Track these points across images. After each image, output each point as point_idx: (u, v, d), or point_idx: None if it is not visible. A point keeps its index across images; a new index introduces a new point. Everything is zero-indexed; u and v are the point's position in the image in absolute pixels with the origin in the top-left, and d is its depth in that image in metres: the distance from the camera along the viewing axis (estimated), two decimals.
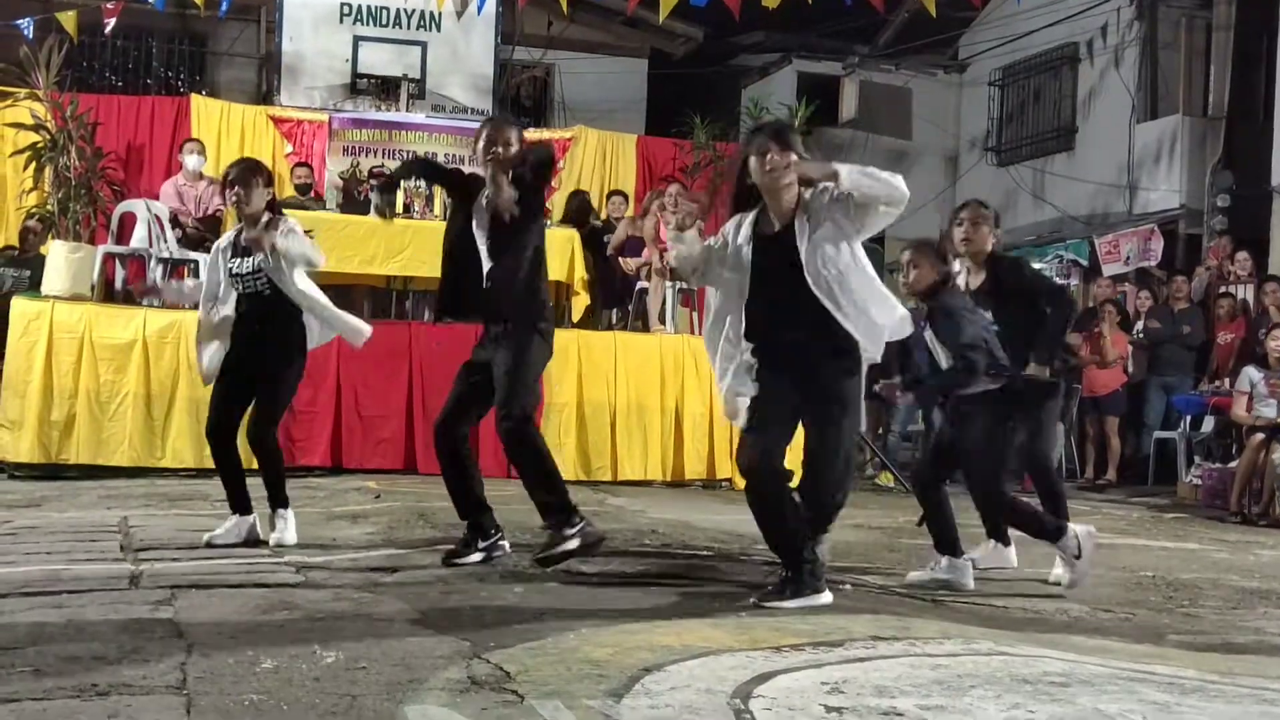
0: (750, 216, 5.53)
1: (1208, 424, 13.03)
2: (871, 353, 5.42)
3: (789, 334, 5.39)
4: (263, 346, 6.59)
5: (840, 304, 5.27)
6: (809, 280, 5.26)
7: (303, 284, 6.60)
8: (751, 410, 5.49)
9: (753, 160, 5.35)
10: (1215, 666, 4.44)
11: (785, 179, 5.33)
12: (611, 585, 5.73)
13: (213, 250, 6.81)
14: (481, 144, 6.09)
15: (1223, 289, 14.14)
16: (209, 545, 6.43)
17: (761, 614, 5.03)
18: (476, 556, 6.22)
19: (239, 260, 6.59)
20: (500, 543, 6.33)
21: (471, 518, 6.31)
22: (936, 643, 4.56)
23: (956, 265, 6.56)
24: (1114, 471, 13.79)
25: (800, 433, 5.56)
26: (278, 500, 6.67)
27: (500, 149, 6.03)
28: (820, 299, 5.26)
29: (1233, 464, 11.45)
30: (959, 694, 3.80)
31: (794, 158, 5.30)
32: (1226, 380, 12.90)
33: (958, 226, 6.57)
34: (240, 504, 6.64)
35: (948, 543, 6.20)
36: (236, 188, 6.54)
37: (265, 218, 6.55)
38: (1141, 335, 14.10)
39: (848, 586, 5.88)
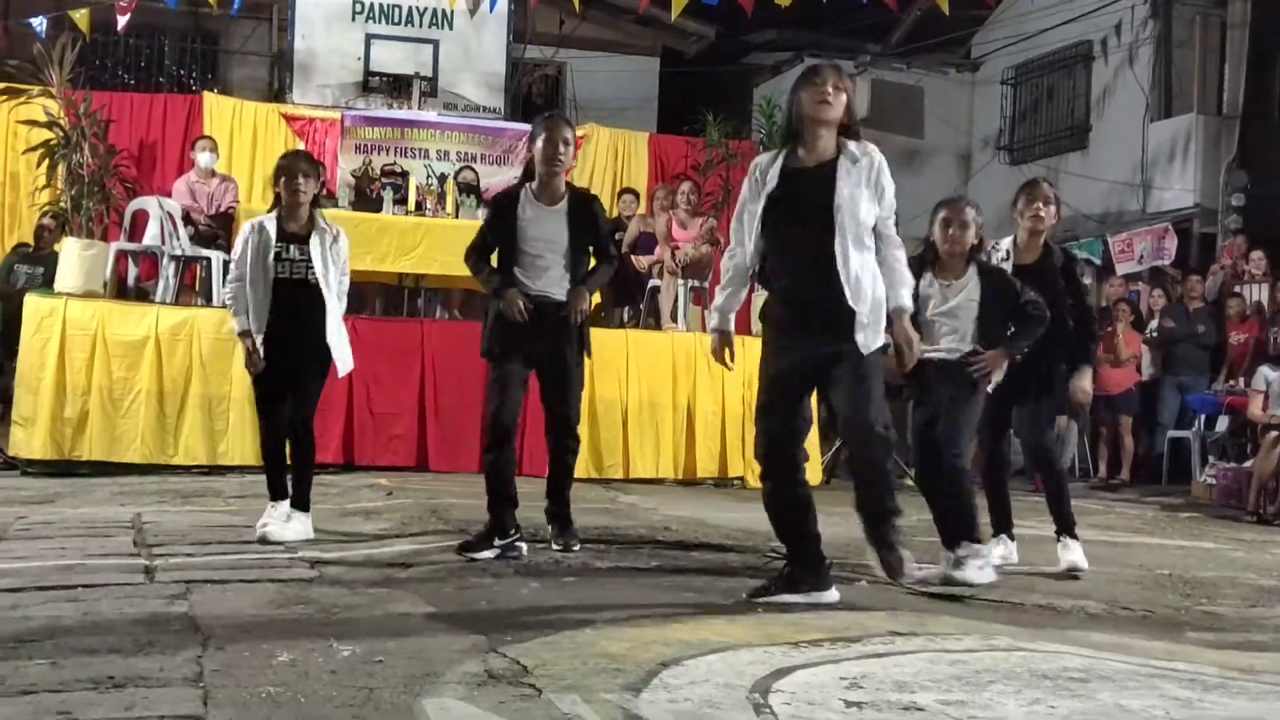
0: (780, 155, 5.36)
1: (1222, 423, 12.99)
2: (868, 338, 5.12)
3: (808, 281, 5.18)
4: (305, 333, 6.64)
5: (854, 263, 5.08)
6: (838, 222, 5.08)
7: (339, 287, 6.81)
8: (761, 386, 5.40)
9: (812, 88, 5.18)
10: (1236, 663, 4.41)
11: (832, 114, 5.18)
12: (627, 581, 5.72)
13: (254, 226, 6.78)
14: (541, 145, 6.38)
15: (1235, 288, 14.09)
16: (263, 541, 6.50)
17: (777, 610, 5.00)
18: (490, 553, 6.22)
19: (285, 245, 6.65)
20: (517, 543, 6.33)
21: (500, 510, 6.34)
22: (955, 639, 4.54)
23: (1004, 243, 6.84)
24: (1127, 471, 13.75)
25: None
26: (302, 500, 6.72)
27: (562, 148, 6.38)
28: (840, 248, 5.07)
29: (1247, 463, 11.40)
30: (979, 689, 3.78)
31: (845, 99, 5.22)
32: (1241, 379, 12.86)
33: (1030, 204, 6.74)
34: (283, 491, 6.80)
35: (944, 535, 6.20)
36: (300, 178, 6.66)
37: (311, 211, 6.76)
38: (1155, 334, 14.06)
39: (864, 582, 5.85)
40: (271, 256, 6.64)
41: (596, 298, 11.92)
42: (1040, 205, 6.74)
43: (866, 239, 5.18)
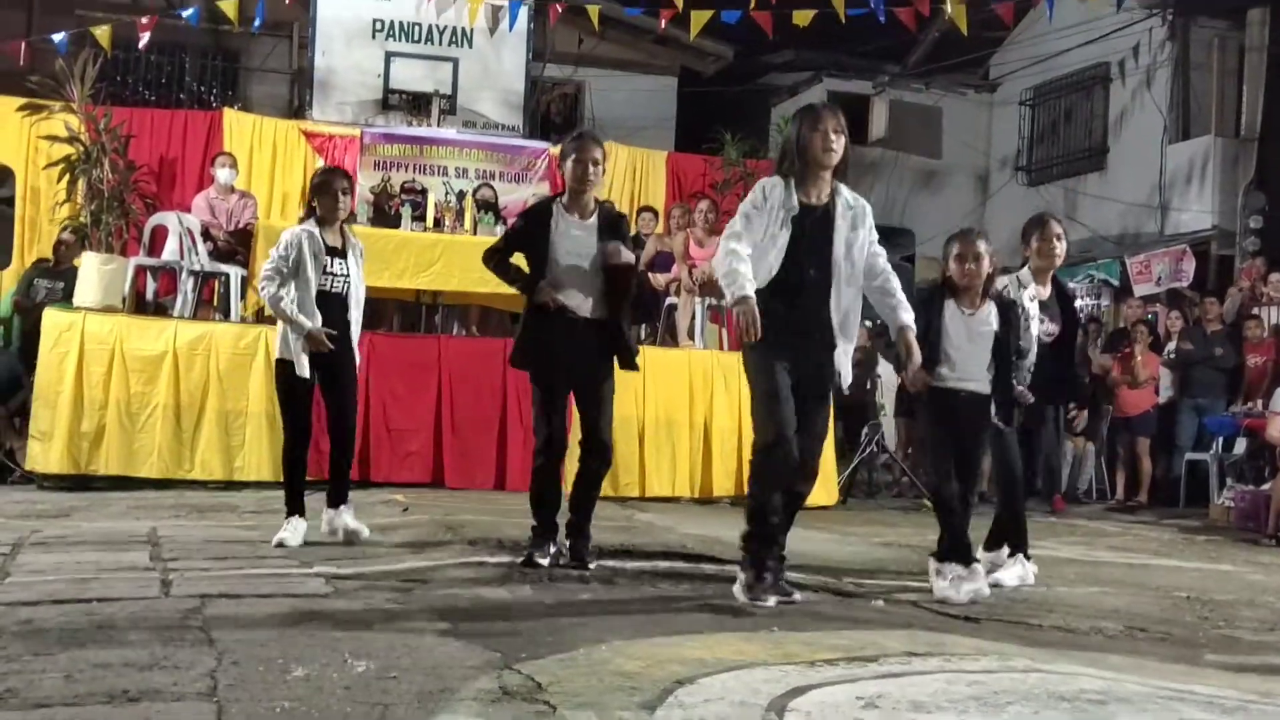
0: (790, 187, 5.65)
1: (1240, 445, 12.93)
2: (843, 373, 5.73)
3: (803, 308, 5.60)
4: (342, 343, 6.97)
5: (845, 300, 5.64)
6: (834, 262, 5.60)
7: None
8: (769, 377, 5.60)
9: (818, 134, 5.58)
10: (1255, 687, 4.37)
11: (836, 159, 5.64)
12: (642, 599, 5.71)
13: (301, 233, 6.93)
14: (570, 165, 6.51)
15: (1254, 310, 14.04)
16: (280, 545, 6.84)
17: (794, 628, 4.99)
18: (546, 559, 6.42)
19: (330, 259, 6.93)
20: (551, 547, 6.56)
21: (548, 515, 6.59)
22: (972, 659, 4.51)
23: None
24: (1145, 493, 13.70)
25: None
26: (346, 496, 7.21)
27: (591, 168, 6.49)
28: (835, 287, 5.60)
29: (1265, 486, 11.34)
30: (996, 710, 3.75)
31: (845, 141, 5.66)
32: (1259, 402, 12.80)
33: (1044, 241, 6.88)
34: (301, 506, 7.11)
35: (960, 551, 6.22)
36: (340, 195, 6.96)
37: (342, 226, 7.12)
38: (1173, 356, 14.00)
39: (880, 603, 5.84)
40: (319, 268, 6.87)
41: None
42: (1055, 243, 6.92)
43: (856, 278, 5.68)
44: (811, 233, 5.60)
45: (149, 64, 17.51)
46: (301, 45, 16.41)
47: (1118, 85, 19.08)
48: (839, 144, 5.61)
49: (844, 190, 5.71)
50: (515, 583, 5.98)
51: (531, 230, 6.61)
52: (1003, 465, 6.80)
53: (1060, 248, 6.91)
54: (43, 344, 10.10)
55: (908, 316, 5.78)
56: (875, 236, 5.79)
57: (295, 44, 17.52)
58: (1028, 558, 6.87)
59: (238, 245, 11.93)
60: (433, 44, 15.07)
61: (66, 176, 11.37)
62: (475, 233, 12.34)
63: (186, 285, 11.22)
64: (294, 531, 6.93)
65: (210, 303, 11.85)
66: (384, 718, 3.41)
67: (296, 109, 16.83)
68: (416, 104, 14.77)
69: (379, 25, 14.96)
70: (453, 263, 11.54)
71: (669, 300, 12.45)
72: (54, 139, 11.59)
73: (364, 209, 12.94)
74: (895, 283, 5.80)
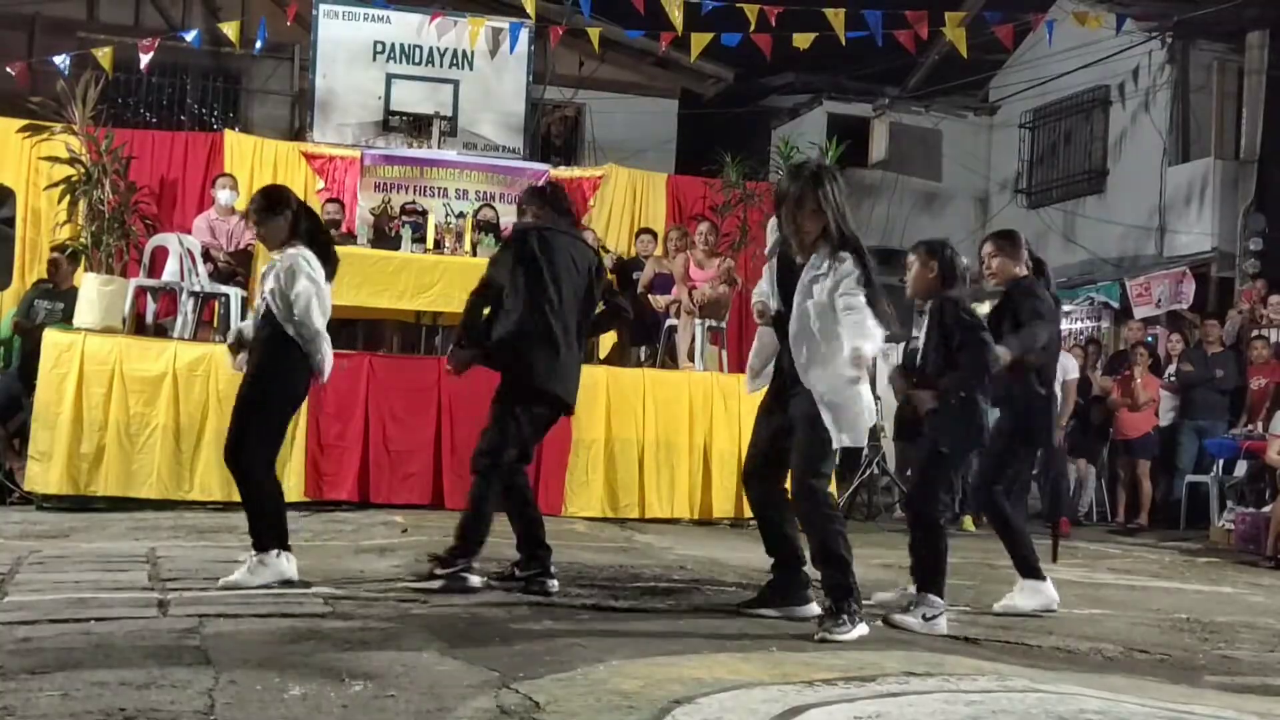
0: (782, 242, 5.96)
1: (1240, 468, 12.91)
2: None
3: (787, 350, 5.78)
4: (255, 367, 6.41)
5: (802, 351, 5.63)
6: (796, 314, 5.66)
7: (299, 315, 6.29)
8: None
9: (797, 226, 5.73)
10: (1255, 708, 4.37)
11: (802, 249, 5.76)
12: (641, 619, 5.70)
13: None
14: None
15: (1255, 332, 14.04)
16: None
17: (791, 648, 4.98)
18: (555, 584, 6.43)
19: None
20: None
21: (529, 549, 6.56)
22: (970, 679, 4.51)
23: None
24: (1145, 515, 13.67)
25: None
26: (253, 539, 6.28)
27: None
28: (794, 333, 5.66)
29: (1266, 508, 11.33)
30: None
31: (821, 224, 5.70)
32: (1260, 424, 12.79)
33: (982, 262, 6.98)
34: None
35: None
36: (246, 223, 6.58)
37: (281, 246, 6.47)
38: (1173, 378, 14.00)
39: (880, 623, 5.83)
40: None
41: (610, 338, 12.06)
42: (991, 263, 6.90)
43: (823, 328, 5.60)
44: (787, 285, 5.83)
45: (150, 86, 17.54)
46: (302, 67, 16.46)
47: (1117, 108, 19.13)
48: (814, 226, 5.68)
49: (826, 256, 5.64)
50: (513, 602, 5.98)
51: None
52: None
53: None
54: (42, 365, 10.09)
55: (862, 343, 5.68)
56: (842, 290, 5.60)
57: (296, 66, 17.57)
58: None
59: (238, 266, 11.95)
60: (433, 66, 15.10)
61: (67, 198, 11.36)
62: (475, 254, 12.35)
63: (186, 306, 11.21)
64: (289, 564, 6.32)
65: (210, 324, 11.84)
66: None
67: (297, 131, 16.87)
68: (417, 126, 14.79)
69: (380, 47, 14.99)
70: (453, 284, 11.52)
71: (669, 322, 12.46)
72: (55, 160, 11.59)
73: (364, 230, 12.96)
74: (848, 315, 5.71)
